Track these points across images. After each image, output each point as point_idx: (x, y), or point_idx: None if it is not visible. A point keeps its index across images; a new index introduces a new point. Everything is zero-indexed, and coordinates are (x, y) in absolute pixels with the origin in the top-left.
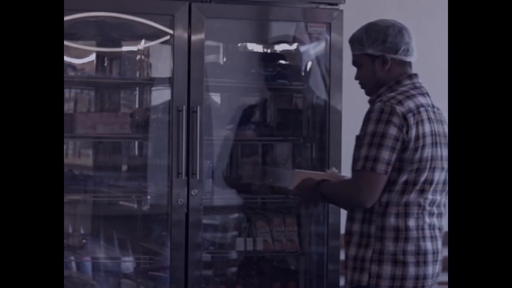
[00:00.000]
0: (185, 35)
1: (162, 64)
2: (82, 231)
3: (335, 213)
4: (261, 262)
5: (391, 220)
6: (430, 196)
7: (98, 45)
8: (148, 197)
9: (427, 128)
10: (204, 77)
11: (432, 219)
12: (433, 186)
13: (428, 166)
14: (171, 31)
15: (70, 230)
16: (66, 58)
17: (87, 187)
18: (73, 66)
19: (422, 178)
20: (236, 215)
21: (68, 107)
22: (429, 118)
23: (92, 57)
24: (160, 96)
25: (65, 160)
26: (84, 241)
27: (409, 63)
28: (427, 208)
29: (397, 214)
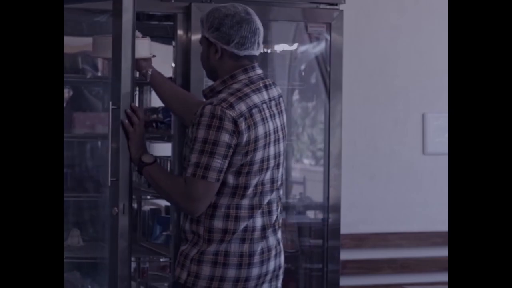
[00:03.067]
0: (187, 34)
1: (162, 64)
2: (81, 231)
3: (335, 213)
4: None
5: (220, 223)
6: (263, 197)
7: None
8: (148, 196)
9: (260, 130)
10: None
11: (264, 219)
12: (267, 186)
13: (258, 168)
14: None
15: (70, 230)
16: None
17: (86, 186)
18: None
19: (254, 181)
20: None
21: (67, 106)
22: (263, 119)
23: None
24: None
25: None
26: (83, 241)
27: (249, 57)
28: (259, 209)
29: (227, 216)
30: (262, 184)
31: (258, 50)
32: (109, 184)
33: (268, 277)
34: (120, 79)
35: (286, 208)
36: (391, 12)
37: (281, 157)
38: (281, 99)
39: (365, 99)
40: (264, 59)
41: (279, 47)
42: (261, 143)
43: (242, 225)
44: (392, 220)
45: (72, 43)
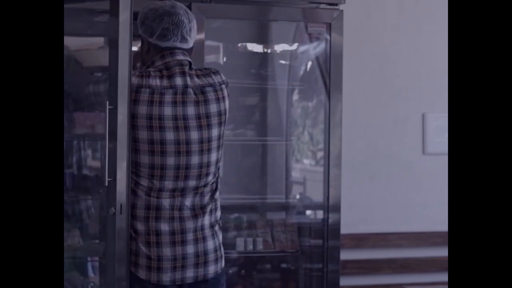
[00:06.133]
0: None
1: None
2: (81, 231)
3: (335, 213)
4: (261, 262)
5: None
6: (166, 181)
7: (97, 45)
8: None
9: (141, 110)
10: None
11: (173, 200)
12: (170, 171)
13: (148, 149)
14: None
15: (69, 230)
16: None
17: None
18: None
19: (146, 161)
20: (236, 215)
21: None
22: (152, 101)
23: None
24: None
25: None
26: (83, 241)
27: (171, 49)
28: (165, 192)
29: (130, 189)
30: (162, 168)
31: (183, 43)
32: (106, 184)
33: (190, 261)
34: (117, 79)
35: (286, 208)
36: (391, 12)
37: (194, 145)
38: (207, 88)
39: (365, 99)
40: (264, 59)
41: (279, 47)
42: (142, 122)
43: (141, 202)
44: (392, 220)
45: (72, 43)
